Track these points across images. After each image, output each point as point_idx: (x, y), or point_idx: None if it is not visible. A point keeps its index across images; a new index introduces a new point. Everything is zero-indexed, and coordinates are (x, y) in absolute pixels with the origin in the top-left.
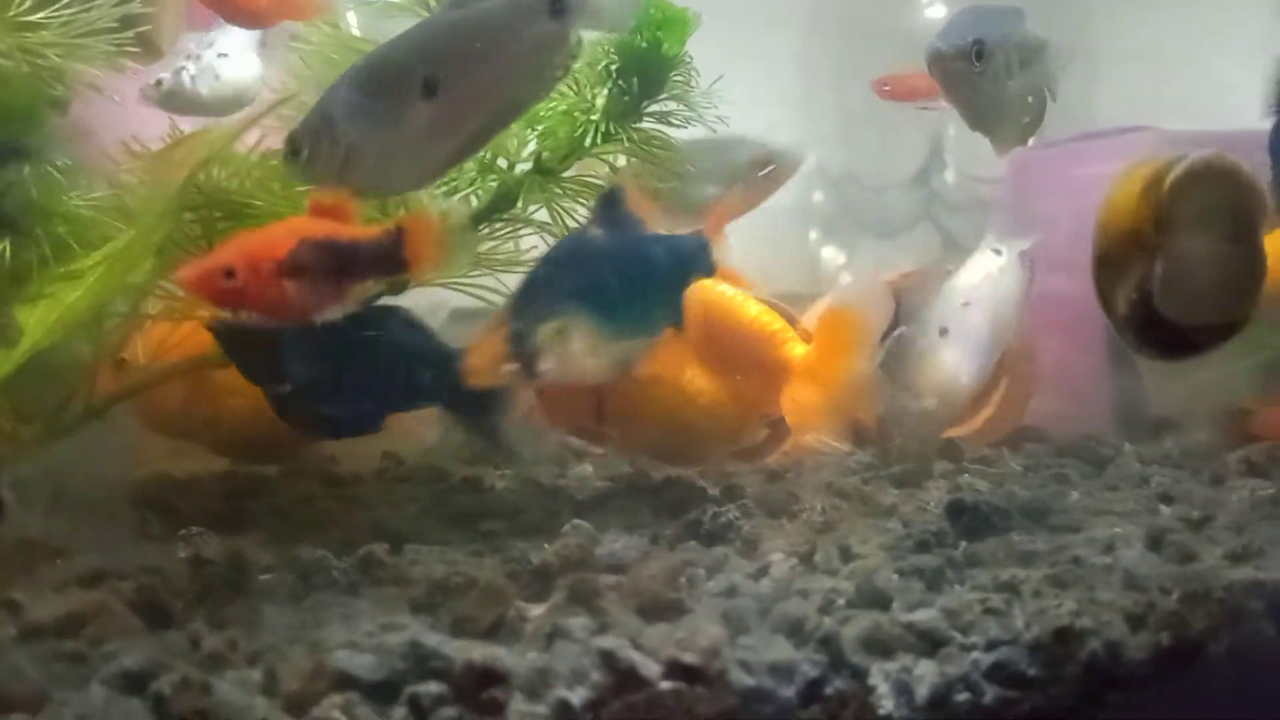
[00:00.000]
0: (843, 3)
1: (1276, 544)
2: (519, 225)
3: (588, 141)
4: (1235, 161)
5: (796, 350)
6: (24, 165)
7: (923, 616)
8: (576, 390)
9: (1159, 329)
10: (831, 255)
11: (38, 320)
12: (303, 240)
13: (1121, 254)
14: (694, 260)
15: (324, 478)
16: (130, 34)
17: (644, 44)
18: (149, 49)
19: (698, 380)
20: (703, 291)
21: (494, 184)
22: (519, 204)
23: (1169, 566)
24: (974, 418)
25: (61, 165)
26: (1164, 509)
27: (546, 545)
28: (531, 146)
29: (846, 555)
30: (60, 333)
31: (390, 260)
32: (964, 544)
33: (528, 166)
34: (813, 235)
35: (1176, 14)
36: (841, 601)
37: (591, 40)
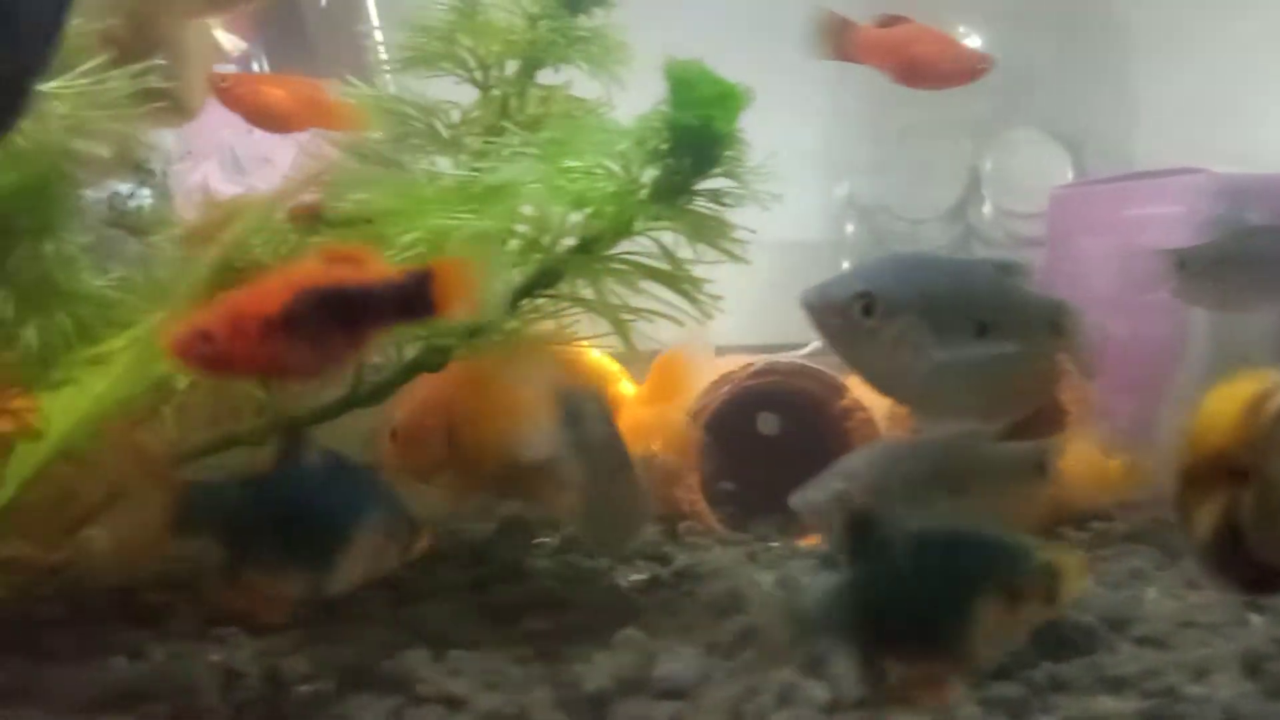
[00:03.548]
0: None
1: None
2: (561, 302)
3: (637, 224)
4: None
5: (627, 389)
6: (43, 244)
7: None
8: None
9: (1246, 564)
10: None
11: (61, 409)
12: (299, 290)
13: (1209, 474)
14: None
15: None
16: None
17: (695, 122)
18: (179, 111)
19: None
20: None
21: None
22: (562, 282)
23: (1271, 704)
24: None
25: (84, 243)
26: (1253, 618)
27: (594, 657)
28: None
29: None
30: (90, 423)
31: (415, 304)
32: (1046, 664)
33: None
34: (845, 268)
35: (1219, 56)
36: None
37: (638, 119)
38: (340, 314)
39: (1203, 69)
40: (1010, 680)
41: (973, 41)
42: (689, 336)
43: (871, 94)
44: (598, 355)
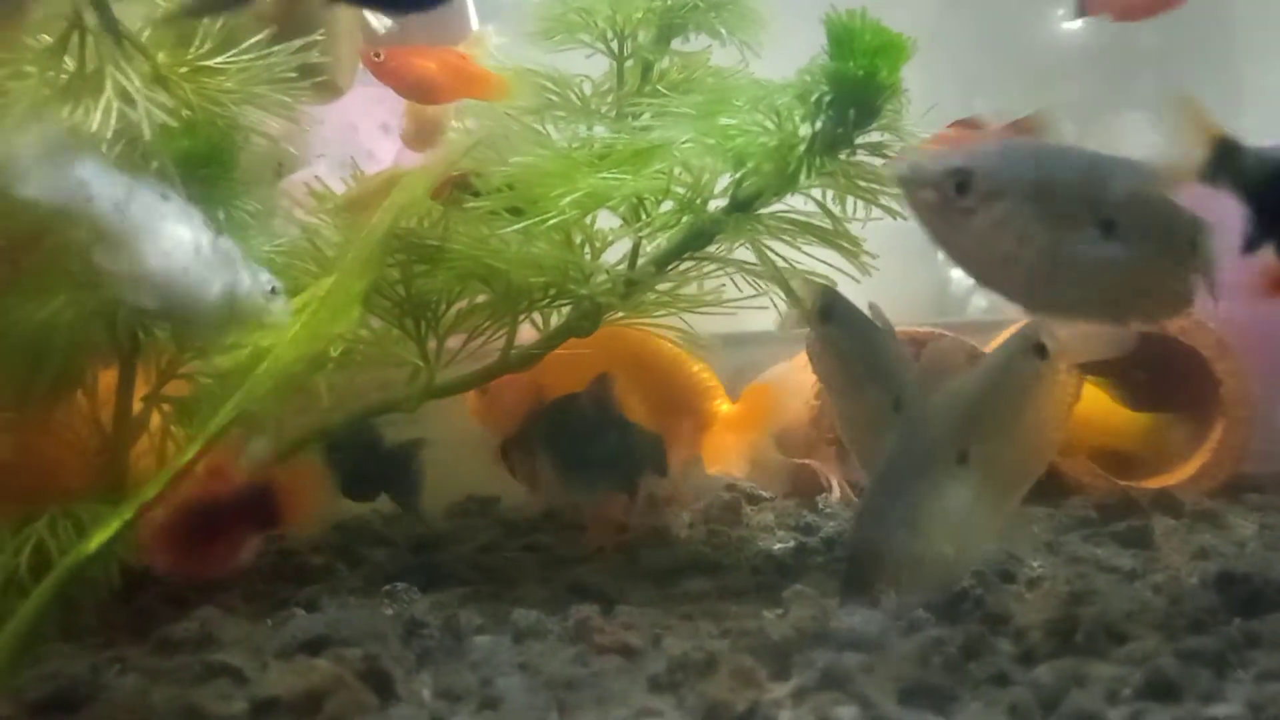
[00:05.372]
0: (972, 12)
1: None
2: (711, 264)
3: (802, 177)
4: None
5: (723, 407)
6: (215, 210)
7: (1224, 712)
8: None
9: None
10: (960, 277)
11: (241, 369)
12: (177, 506)
13: None
14: None
15: (500, 523)
16: (310, 81)
17: (859, 72)
18: (329, 88)
19: (640, 416)
20: (652, 344)
21: (685, 222)
22: (714, 242)
23: None
24: (1185, 464)
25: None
26: None
27: (767, 613)
28: (724, 183)
29: (1111, 633)
30: (266, 382)
31: (259, 514)
32: (1238, 621)
33: (721, 204)
34: (940, 256)
35: None
36: (1128, 691)
37: (798, 72)
38: (197, 530)
39: None
40: (1205, 634)
41: (1073, 26)
42: (784, 368)
43: (966, 79)
44: (698, 368)
